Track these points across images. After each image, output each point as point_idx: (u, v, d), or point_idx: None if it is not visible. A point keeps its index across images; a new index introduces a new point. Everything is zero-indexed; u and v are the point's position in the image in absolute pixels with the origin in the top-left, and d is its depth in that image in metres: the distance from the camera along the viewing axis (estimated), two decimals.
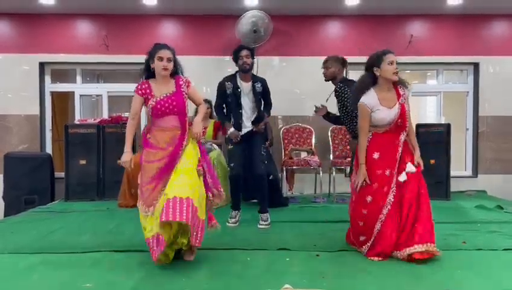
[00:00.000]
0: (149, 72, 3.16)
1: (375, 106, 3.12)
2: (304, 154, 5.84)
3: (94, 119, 5.96)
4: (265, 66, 6.20)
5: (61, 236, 3.73)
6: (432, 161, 5.69)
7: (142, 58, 5.80)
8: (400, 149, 3.14)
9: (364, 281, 2.64)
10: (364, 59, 6.33)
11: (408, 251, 2.98)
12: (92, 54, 6.18)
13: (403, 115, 3.14)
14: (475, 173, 6.33)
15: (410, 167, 3.10)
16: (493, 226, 4.04)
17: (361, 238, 3.18)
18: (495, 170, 6.24)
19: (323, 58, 6.05)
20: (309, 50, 6.20)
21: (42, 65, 6.28)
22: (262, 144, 4.36)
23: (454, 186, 5.93)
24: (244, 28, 5.88)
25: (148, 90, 3.09)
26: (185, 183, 2.90)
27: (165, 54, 3.07)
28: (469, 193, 6.14)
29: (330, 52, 6.08)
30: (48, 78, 6.36)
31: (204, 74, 5.64)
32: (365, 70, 3.25)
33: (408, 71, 6.90)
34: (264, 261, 3.00)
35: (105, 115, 6.30)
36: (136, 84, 3.17)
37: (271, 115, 5.43)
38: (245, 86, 4.21)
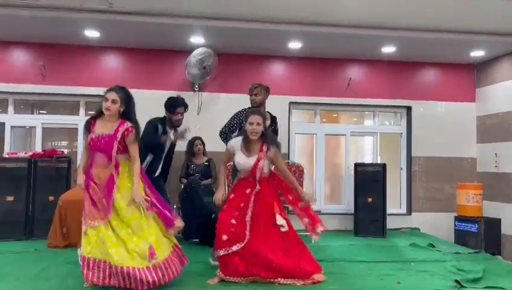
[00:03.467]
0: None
1: (236, 149, 3.59)
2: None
3: (25, 153, 5.60)
4: (210, 102, 6.21)
5: None
6: (369, 199, 5.91)
7: (82, 89, 5.64)
8: (252, 197, 3.54)
9: None
10: (306, 99, 6.58)
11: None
12: (27, 84, 5.88)
13: (255, 167, 3.53)
14: (409, 210, 6.62)
15: (280, 221, 3.55)
16: (425, 265, 4.21)
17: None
18: (427, 208, 6.57)
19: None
20: None
21: None
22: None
23: (390, 223, 6.16)
24: (192, 65, 5.89)
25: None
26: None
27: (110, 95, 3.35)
28: (403, 230, 6.39)
29: (274, 91, 6.26)
30: None
31: (149, 108, 5.52)
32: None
33: (347, 112, 7.20)
34: None
35: (38, 148, 5.96)
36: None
37: (215, 151, 5.47)
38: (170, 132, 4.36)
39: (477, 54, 6.18)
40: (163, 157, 4.35)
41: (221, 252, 3.44)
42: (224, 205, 3.60)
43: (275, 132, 4.24)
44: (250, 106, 4.24)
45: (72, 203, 4.89)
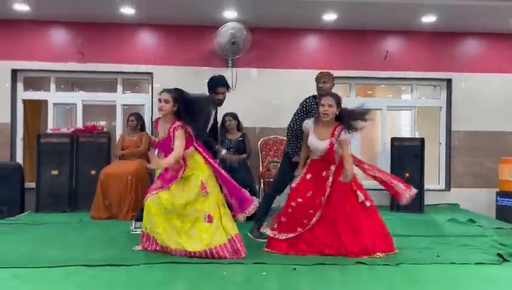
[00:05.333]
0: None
1: (310, 129, 3.65)
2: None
3: (68, 129, 5.82)
4: (244, 77, 6.21)
5: (30, 249, 3.59)
6: (407, 175, 5.79)
7: (118, 67, 5.77)
8: (330, 179, 3.58)
9: None
10: (341, 73, 6.48)
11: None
12: (67, 62, 6.06)
13: (330, 151, 3.55)
14: (448, 186, 6.47)
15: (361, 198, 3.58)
16: (465, 239, 4.12)
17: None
18: (467, 184, 6.39)
19: (301, 71, 6.18)
20: (287, 63, 6.25)
21: (15, 72, 6.11)
22: None
23: (428, 199, 6.05)
24: (222, 39, 5.88)
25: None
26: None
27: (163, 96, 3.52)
28: (442, 205, 6.26)
29: (308, 65, 6.21)
30: (20, 86, 6.19)
31: (181, 84, 5.60)
32: None
33: (383, 86, 7.04)
34: (240, 275, 2.96)
35: (79, 125, 6.16)
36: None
37: (250, 127, 5.51)
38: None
39: None
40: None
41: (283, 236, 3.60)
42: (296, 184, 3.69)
43: None
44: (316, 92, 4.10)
45: (113, 177, 5.08)
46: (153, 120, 3.72)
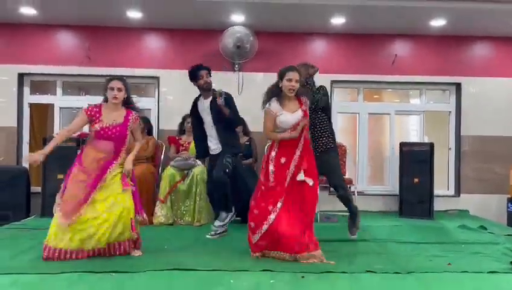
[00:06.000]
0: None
1: (279, 110, 3.53)
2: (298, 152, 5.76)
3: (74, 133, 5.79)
4: (250, 82, 6.17)
5: (35, 255, 3.55)
6: (416, 180, 5.72)
7: (125, 70, 5.75)
8: (298, 151, 3.51)
9: None
10: (349, 77, 6.41)
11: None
12: (73, 66, 6.06)
13: (305, 118, 3.54)
14: (457, 192, 6.37)
15: (300, 176, 3.46)
16: (477, 247, 4.03)
17: (252, 225, 3.54)
18: (477, 190, 6.28)
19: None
20: None
21: (21, 76, 6.12)
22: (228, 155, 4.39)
23: (437, 205, 5.95)
24: (227, 43, 5.86)
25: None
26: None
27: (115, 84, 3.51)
28: (451, 212, 6.17)
29: None
30: (27, 90, 6.20)
31: (187, 88, 5.55)
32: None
33: (390, 90, 6.96)
34: (247, 283, 2.89)
35: (85, 129, 6.13)
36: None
37: (256, 131, 5.43)
38: (205, 103, 4.35)
39: None
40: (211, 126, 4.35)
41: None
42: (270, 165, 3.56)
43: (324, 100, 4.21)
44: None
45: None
46: (87, 108, 3.57)
